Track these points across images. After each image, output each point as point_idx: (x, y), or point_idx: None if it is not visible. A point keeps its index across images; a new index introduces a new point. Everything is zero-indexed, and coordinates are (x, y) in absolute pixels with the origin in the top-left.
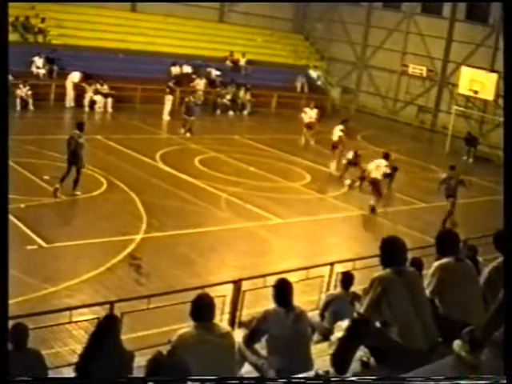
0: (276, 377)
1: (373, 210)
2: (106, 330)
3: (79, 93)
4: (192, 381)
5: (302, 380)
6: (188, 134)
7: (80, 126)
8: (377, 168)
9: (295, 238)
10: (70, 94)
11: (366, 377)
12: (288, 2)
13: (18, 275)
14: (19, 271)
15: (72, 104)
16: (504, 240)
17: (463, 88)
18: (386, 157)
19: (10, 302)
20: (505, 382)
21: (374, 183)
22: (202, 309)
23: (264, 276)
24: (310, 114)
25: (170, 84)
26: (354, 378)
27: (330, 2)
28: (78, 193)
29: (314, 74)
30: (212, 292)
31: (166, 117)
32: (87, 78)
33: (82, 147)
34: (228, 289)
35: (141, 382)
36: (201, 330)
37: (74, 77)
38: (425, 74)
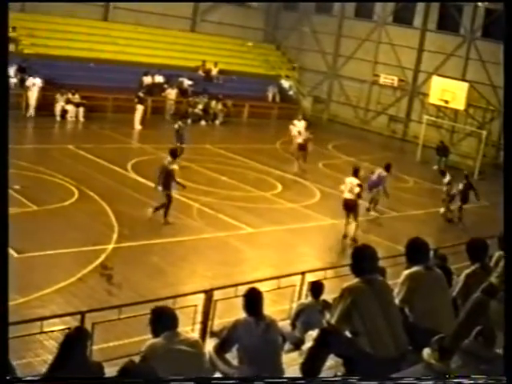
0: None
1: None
2: (74, 341)
3: (50, 102)
4: (177, 381)
5: (303, 381)
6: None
7: (173, 153)
8: (350, 189)
9: (267, 248)
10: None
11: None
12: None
13: None
14: None
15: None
16: (504, 241)
17: (434, 98)
18: (355, 173)
19: None
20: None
21: (353, 205)
22: (164, 320)
23: (235, 285)
24: (298, 126)
25: (140, 94)
26: (353, 378)
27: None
28: (170, 220)
29: (285, 83)
30: (184, 302)
31: (137, 126)
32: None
33: (174, 174)
34: (200, 298)
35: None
36: (170, 339)
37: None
38: (396, 84)
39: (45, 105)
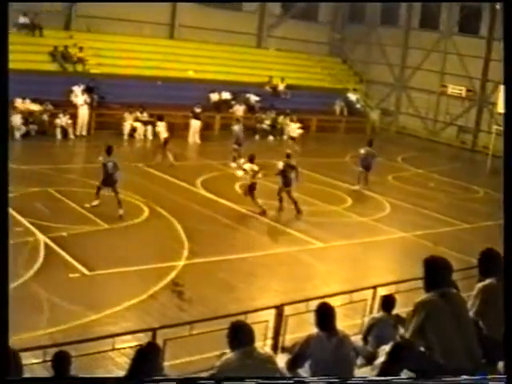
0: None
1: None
2: (146, 357)
3: (118, 121)
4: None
5: (308, 380)
6: None
7: (108, 150)
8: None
9: (337, 262)
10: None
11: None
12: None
13: (60, 303)
14: (62, 299)
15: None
16: (504, 241)
17: (503, 107)
18: (251, 160)
19: (54, 329)
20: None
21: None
22: (240, 336)
23: (306, 300)
24: (293, 128)
25: (195, 109)
26: (359, 379)
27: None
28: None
29: (352, 96)
30: (255, 317)
31: (190, 139)
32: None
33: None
34: (270, 314)
35: (151, 380)
36: (243, 355)
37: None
38: (464, 94)
39: (112, 123)
